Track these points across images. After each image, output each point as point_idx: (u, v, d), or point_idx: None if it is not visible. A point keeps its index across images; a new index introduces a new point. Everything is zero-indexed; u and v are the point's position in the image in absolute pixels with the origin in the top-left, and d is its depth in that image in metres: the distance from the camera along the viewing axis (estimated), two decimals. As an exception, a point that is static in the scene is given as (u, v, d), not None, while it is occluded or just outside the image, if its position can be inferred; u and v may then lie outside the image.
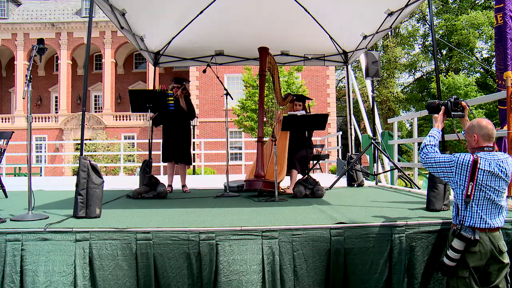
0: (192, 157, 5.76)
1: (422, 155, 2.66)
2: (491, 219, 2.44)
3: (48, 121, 30.26)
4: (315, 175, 7.64)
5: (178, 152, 5.53)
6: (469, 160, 2.45)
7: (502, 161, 2.46)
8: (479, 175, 2.42)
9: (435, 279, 2.81)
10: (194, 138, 21.08)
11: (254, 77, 19.24)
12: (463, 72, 31.14)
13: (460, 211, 2.51)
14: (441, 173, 2.57)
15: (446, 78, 27.86)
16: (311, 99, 5.89)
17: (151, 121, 5.32)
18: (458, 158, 2.48)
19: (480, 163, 2.43)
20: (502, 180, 2.44)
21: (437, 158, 2.58)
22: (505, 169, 2.44)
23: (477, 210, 2.44)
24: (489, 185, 2.42)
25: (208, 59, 5.99)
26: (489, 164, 2.43)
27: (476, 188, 2.43)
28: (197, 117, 5.98)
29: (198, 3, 5.34)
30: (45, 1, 32.46)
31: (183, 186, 5.70)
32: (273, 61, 5.40)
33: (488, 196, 2.43)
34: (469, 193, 2.44)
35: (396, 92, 34.22)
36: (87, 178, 3.22)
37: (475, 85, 27.61)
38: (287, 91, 17.15)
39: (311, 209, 3.69)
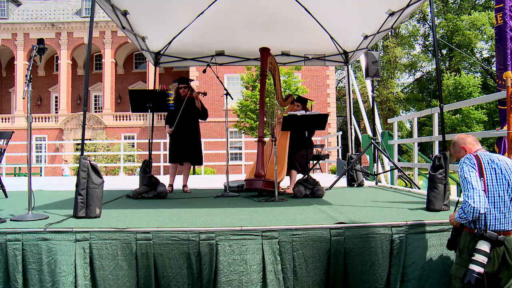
0: (202, 156, 5.76)
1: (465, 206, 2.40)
2: (506, 222, 2.37)
3: (48, 121, 30.26)
4: (315, 175, 7.64)
5: (190, 152, 5.52)
6: (472, 158, 2.48)
7: (498, 157, 2.49)
8: (486, 169, 2.42)
9: (435, 279, 2.80)
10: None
11: (254, 77, 19.24)
12: (464, 71, 31.14)
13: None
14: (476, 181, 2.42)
15: (455, 76, 27.93)
16: (312, 101, 5.90)
17: (151, 120, 5.32)
18: (464, 162, 2.49)
19: (482, 158, 2.46)
20: (507, 174, 2.40)
21: (471, 183, 2.40)
22: (506, 162, 2.45)
23: (491, 210, 2.37)
24: (498, 179, 2.40)
25: (208, 59, 5.99)
26: (489, 157, 2.46)
27: (488, 184, 2.39)
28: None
29: (199, 3, 5.34)
30: (45, 1, 32.45)
31: (184, 186, 5.69)
32: (274, 62, 5.40)
33: (500, 194, 2.39)
34: (483, 189, 2.38)
35: (396, 92, 34.22)
36: (87, 178, 3.22)
37: (479, 86, 27.67)
38: (285, 91, 17.17)
39: (311, 209, 3.69)
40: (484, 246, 2.31)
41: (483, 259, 2.29)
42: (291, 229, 2.80)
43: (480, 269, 2.28)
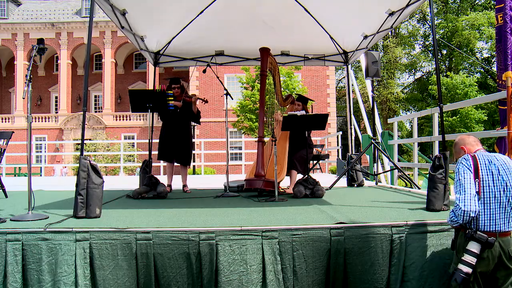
0: (192, 158, 5.75)
1: (455, 209, 2.43)
2: (502, 222, 2.37)
3: (48, 121, 30.26)
4: (315, 175, 7.64)
5: (178, 152, 5.51)
6: (468, 158, 2.47)
7: (497, 157, 2.47)
8: (482, 170, 2.41)
9: (435, 279, 2.80)
10: (194, 138, 21.13)
11: (253, 77, 19.25)
12: (463, 72, 31.12)
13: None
14: (471, 184, 2.42)
15: (446, 78, 27.86)
16: (313, 100, 5.90)
17: (151, 120, 5.32)
18: (461, 162, 2.49)
19: (479, 158, 2.45)
20: (505, 175, 2.39)
21: (464, 185, 2.41)
22: (504, 162, 2.44)
23: (485, 211, 2.38)
24: (494, 180, 2.39)
25: (208, 59, 5.99)
26: (488, 158, 2.45)
27: (483, 185, 2.38)
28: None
29: (199, 3, 5.34)
30: (45, 1, 32.45)
31: (184, 186, 5.69)
32: (274, 62, 5.40)
33: (495, 195, 2.38)
34: (477, 190, 2.39)
35: (396, 92, 34.22)
36: (87, 178, 3.22)
37: (475, 85, 27.59)
38: (285, 92, 17.18)
39: (311, 209, 3.69)
40: (473, 247, 2.33)
41: (471, 259, 2.32)
42: (291, 229, 2.80)
43: (468, 269, 2.32)
